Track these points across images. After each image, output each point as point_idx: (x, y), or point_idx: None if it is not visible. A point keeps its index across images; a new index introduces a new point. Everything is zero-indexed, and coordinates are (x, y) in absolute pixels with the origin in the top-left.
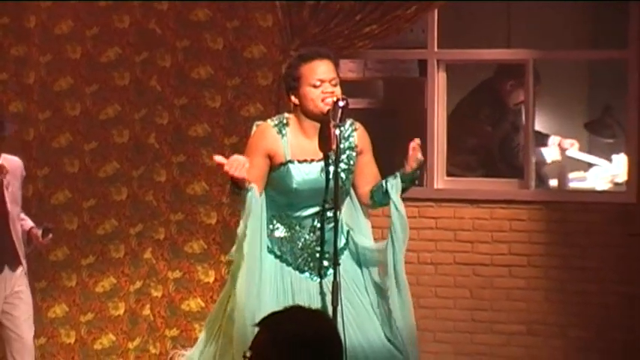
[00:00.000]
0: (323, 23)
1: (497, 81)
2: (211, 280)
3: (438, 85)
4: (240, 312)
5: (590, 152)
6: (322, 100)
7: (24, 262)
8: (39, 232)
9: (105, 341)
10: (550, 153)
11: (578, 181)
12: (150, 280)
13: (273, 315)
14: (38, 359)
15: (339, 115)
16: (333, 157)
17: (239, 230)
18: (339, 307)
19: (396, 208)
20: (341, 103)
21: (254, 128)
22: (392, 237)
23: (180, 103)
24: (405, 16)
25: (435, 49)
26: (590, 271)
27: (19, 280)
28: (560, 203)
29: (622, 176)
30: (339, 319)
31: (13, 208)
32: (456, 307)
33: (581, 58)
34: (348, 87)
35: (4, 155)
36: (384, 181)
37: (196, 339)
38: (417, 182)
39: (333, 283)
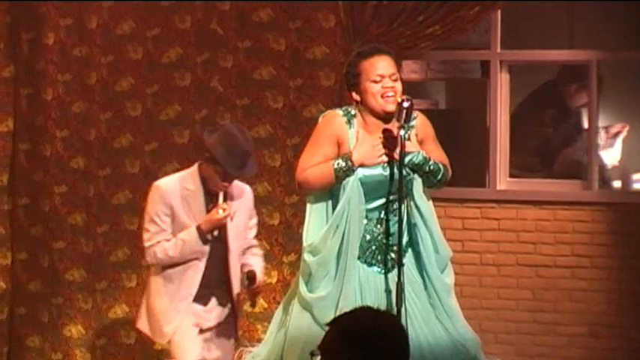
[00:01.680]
0: (385, 24)
1: (560, 83)
2: (274, 280)
3: (501, 86)
4: (310, 310)
5: None
6: (382, 96)
7: (234, 301)
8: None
9: None
10: (609, 156)
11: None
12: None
13: (343, 315)
14: (99, 359)
15: (403, 115)
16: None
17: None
18: (403, 307)
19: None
20: (405, 104)
21: (320, 119)
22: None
23: (241, 104)
24: (467, 17)
25: (498, 50)
26: None
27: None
28: (624, 205)
29: None
30: (404, 317)
31: (235, 242)
32: (518, 308)
33: None
34: (411, 88)
35: (235, 183)
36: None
37: (260, 340)
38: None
39: (397, 283)
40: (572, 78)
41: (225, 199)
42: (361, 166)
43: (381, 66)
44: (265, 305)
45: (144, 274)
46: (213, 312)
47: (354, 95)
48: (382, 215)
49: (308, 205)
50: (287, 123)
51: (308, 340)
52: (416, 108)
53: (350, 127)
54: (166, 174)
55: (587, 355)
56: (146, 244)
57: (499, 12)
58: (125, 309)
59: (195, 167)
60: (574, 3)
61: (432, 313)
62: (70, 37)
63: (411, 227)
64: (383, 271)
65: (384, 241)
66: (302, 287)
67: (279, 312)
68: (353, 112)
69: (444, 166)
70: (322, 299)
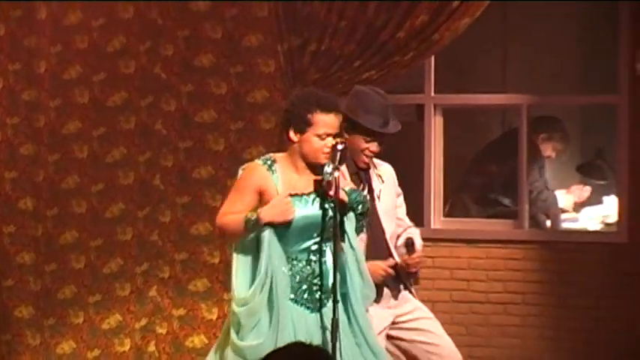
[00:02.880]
0: (323, 69)
1: (529, 131)
2: (214, 317)
3: (435, 129)
4: (243, 349)
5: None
6: (322, 153)
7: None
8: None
9: None
10: (565, 199)
11: (570, 221)
12: (155, 317)
13: (276, 351)
14: None
15: (337, 157)
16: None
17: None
18: (337, 344)
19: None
20: (340, 147)
21: (240, 172)
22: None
23: (184, 146)
24: (402, 62)
25: (432, 94)
26: (585, 309)
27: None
28: (554, 243)
29: (613, 217)
30: (338, 355)
31: (388, 223)
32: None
33: (573, 103)
34: None
35: (376, 161)
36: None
37: None
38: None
39: (333, 319)
40: (542, 128)
41: (369, 184)
42: (269, 224)
43: (332, 124)
44: (206, 341)
45: (90, 312)
46: (384, 298)
47: (292, 135)
48: (312, 256)
49: (234, 255)
50: (228, 165)
51: None
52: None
53: (272, 173)
54: (112, 214)
55: None
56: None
57: (433, 57)
58: (72, 345)
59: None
60: (507, 48)
61: (357, 351)
62: (18, 82)
63: (342, 266)
64: (313, 310)
65: (314, 281)
66: (233, 335)
67: (211, 356)
68: (273, 158)
69: None
70: (256, 347)
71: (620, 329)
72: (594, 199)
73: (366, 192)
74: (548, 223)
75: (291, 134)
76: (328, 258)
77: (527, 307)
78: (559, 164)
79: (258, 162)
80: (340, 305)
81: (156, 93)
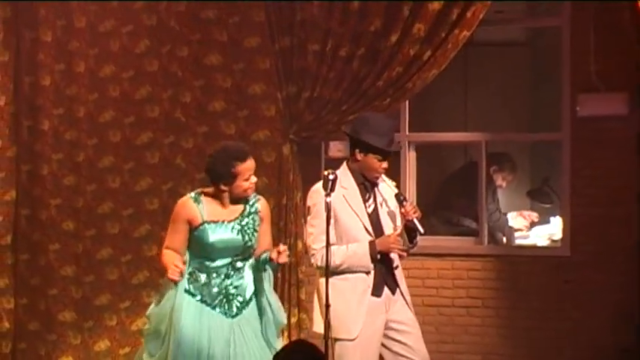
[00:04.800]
0: (316, 112)
1: (488, 164)
2: None
3: (409, 161)
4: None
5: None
6: (248, 190)
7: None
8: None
9: None
10: (517, 222)
11: (522, 238)
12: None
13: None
14: None
15: (329, 185)
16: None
17: (158, 308)
18: (329, 339)
19: (267, 298)
20: (331, 177)
21: (176, 204)
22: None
23: (199, 178)
24: (381, 106)
25: (407, 132)
26: (533, 311)
27: (397, 304)
28: (509, 256)
29: (558, 234)
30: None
31: (389, 225)
32: (424, 340)
33: (524, 140)
34: (336, 164)
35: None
36: (263, 256)
37: None
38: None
39: (325, 321)
40: (493, 161)
41: (374, 193)
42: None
43: (251, 167)
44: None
45: (122, 315)
46: (386, 302)
47: (222, 187)
48: (229, 271)
49: (161, 280)
50: None
51: None
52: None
53: (199, 204)
54: (139, 234)
55: None
56: (312, 247)
57: (407, 102)
58: (107, 343)
59: (343, 166)
60: (468, 93)
61: (267, 349)
62: (62, 79)
63: (256, 284)
64: (230, 316)
65: (232, 291)
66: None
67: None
68: (200, 192)
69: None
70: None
71: (563, 327)
72: (542, 220)
73: (371, 200)
74: (505, 240)
75: (222, 186)
76: (246, 274)
77: (487, 310)
78: (511, 190)
79: (187, 196)
80: (255, 314)
81: (176, 133)
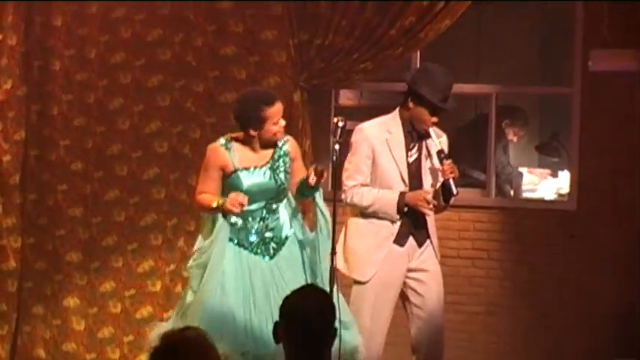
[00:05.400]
0: (327, 60)
1: (501, 117)
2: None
3: None
4: (207, 293)
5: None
6: (278, 133)
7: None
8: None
9: (144, 312)
10: (528, 176)
11: (530, 192)
12: (182, 263)
13: (292, 294)
14: (91, 326)
15: (338, 132)
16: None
17: (204, 243)
18: (335, 287)
19: (320, 211)
20: (340, 124)
21: (207, 150)
22: (318, 231)
23: (209, 122)
24: (393, 55)
25: None
26: (538, 264)
27: (424, 256)
28: (515, 209)
29: (565, 189)
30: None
31: (428, 180)
32: None
33: (535, 93)
34: (347, 112)
35: (436, 130)
36: (300, 183)
37: None
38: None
39: (330, 267)
40: (506, 115)
41: (420, 144)
42: (225, 210)
43: (279, 110)
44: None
45: (128, 257)
46: (410, 252)
47: (252, 132)
48: (264, 214)
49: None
50: None
51: (206, 315)
52: (350, 129)
53: (229, 151)
54: (148, 176)
55: (484, 330)
56: (345, 182)
57: (418, 53)
58: (113, 285)
59: (395, 112)
60: (479, 45)
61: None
62: (73, 64)
63: (291, 224)
64: (267, 258)
65: (267, 234)
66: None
67: (182, 300)
68: (229, 138)
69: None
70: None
71: (568, 279)
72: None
73: (415, 150)
74: (512, 193)
75: (251, 132)
76: (281, 214)
77: (491, 262)
78: (521, 145)
79: (219, 143)
80: (297, 254)
81: (187, 77)
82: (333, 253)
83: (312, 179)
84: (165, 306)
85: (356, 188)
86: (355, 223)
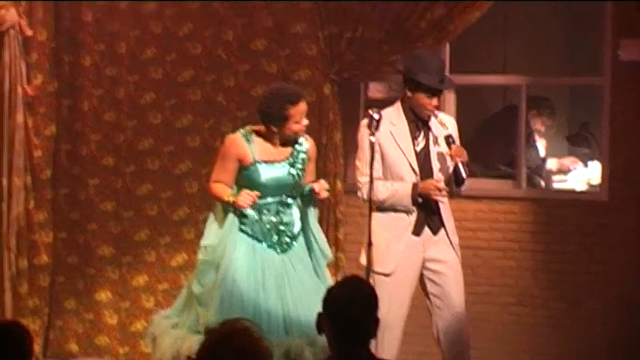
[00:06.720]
0: (357, 53)
1: (527, 108)
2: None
3: (449, 104)
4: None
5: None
6: (299, 132)
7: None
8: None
9: None
10: (557, 165)
11: (560, 182)
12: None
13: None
14: (124, 320)
15: (374, 125)
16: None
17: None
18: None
19: (312, 232)
20: (376, 116)
21: (226, 140)
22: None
23: (241, 115)
24: (423, 47)
25: (447, 74)
26: (569, 254)
27: (439, 244)
28: (546, 200)
29: (596, 179)
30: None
31: (438, 165)
32: None
33: (564, 84)
34: (377, 104)
35: (439, 113)
36: (307, 188)
37: None
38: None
39: (368, 259)
40: (533, 105)
41: (426, 131)
42: (236, 205)
43: (303, 110)
44: None
45: (161, 251)
46: (425, 241)
47: (273, 128)
48: (279, 208)
49: (211, 214)
50: None
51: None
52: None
53: (249, 143)
54: (180, 171)
55: (516, 321)
56: (358, 179)
57: (448, 44)
58: (146, 278)
59: (397, 104)
60: (507, 36)
61: (319, 282)
62: (103, 59)
63: (302, 219)
64: (282, 251)
65: (281, 228)
66: (193, 282)
67: (186, 290)
68: (250, 130)
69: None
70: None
71: (597, 270)
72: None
73: (421, 138)
74: (543, 183)
75: (273, 128)
76: (294, 210)
77: (523, 253)
78: (550, 135)
79: (238, 133)
80: (304, 249)
81: (218, 71)
82: (370, 244)
83: (324, 194)
84: None
85: (369, 184)
86: (374, 217)
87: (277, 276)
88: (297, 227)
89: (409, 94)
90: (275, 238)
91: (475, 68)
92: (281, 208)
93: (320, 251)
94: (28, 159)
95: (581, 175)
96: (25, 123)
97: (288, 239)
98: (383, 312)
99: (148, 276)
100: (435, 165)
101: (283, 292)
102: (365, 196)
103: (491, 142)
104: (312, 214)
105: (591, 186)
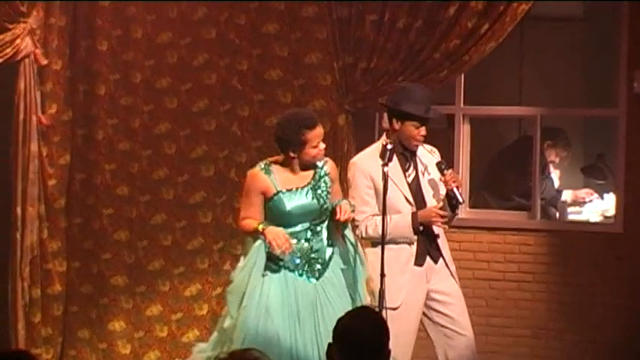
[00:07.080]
0: (371, 83)
1: (541, 138)
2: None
3: (463, 135)
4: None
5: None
6: (317, 156)
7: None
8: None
9: (191, 336)
10: (572, 197)
11: (575, 214)
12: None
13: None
14: (137, 350)
15: (387, 156)
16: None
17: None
18: (383, 310)
19: (349, 242)
20: (389, 147)
21: (247, 176)
22: (350, 260)
23: (256, 145)
24: (437, 78)
25: (461, 105)
26: (584, 286)
27: (440, 274)
28: (561, 232)
29: (611, 211)
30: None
31: (431, 195)
32: (474, 313)
33: (579, 115)
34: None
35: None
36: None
37: None
38: None
39: (380, 290)
40: (547, 136)
41: (415, 162)
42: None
43: (320, 134)
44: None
45: (175, 281)
46: (427, 271)
47: (291, 154)
48: (309, 235)
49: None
50: None
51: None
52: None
53: (269, 175)
54: (194, 201)
55: (530, 353)
56: (355, 218)
57: (462, 75)
58: (159, 308)
59: (382, 138)
60: (522, 67)
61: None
62: (118, 89)
63: (332, 244)
64: (313, 280)
65: (312, 255)
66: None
67: (220, 324)
68: (268, 162)
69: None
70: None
71: (613, 303)
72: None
73: (411, 169)
74: (557, 215)
75: (291, 154)
76: (324, 236)
77: (538, 285)
78: (565, 167)
79: (258, 168)
80: (337, 275)
81: (233, 101)
82: (383, 275)
83: (344, 217)
84: (212, 329)
85: (367, 220)
86: (374, 254)
87: (311, 305)
88: (327, 254)
89: (397, 125)
90: (306, 266)
91: (490, 99)
92: (310, 235)
93: (361, 266)
94: (43, 188)
95: (597, 207)
96: (40, 152)
97: (319, 266)
98: (392, 344)
99: (161, 306)
100: (428, 194)
101: (317, 322)
102: (364, 234)
103: (505, 173)
104: (348, 229)
105: (606, 217)
